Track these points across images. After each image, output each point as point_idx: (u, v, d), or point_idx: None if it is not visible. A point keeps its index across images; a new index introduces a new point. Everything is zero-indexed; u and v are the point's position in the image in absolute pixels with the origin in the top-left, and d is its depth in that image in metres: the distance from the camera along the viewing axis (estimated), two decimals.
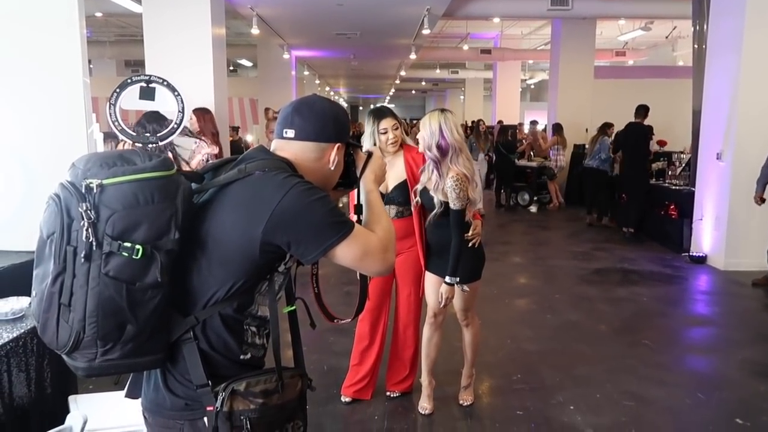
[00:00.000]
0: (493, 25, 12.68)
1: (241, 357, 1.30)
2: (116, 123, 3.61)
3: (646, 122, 10.45)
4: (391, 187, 3.03)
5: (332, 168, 1.38)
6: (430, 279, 3.05)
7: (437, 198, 2.84)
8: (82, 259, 1.12)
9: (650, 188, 7.64)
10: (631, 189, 7.64)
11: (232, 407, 1.23)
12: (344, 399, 3.24)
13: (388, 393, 3.30)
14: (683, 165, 7.58)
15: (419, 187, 2.94)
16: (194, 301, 1.26)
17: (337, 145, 1.38)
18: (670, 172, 7.69)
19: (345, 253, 1.28)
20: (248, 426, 1.24)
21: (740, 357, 3.92)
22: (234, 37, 11.27)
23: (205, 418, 1.25)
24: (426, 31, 8.79)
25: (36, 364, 2.26)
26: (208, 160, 4.38)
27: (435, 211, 2.86)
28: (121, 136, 3.80)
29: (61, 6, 3.42)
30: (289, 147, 1.36)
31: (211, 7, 5.72)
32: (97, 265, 1.12)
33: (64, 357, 1.20)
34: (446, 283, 2.86)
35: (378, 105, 3.12)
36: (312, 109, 1.37)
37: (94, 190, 1.13)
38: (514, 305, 5.10)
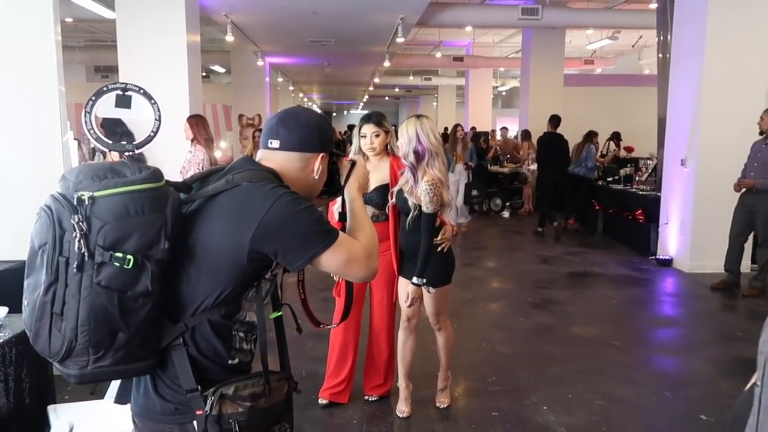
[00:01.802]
0: (465, 33, 12.86)
1: (230, 362, 1.34)
2: (91, 131, 3.60)
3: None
4: (371, 188, 3.05)
5: (316, 177, 1.43)
6: (403, 284, 3.08)
7: (411, 201, 2.88)
8: (75, 270, 1.14)
9: (592, 188, 8.51)
10: (568, 189, 8.40)
11: (221, 411, 1.27)
12: (321, 401, 3.27)
13: (366, 397, 3.35)
14: (650, 171, 7.81)
15: (395, 188, 2.99)
16: (183, 308, 1.29)
17: (321, 154, 1.43)
18: (637, 178, 7.90)
19: (330, 261, 1.32)
20: (237, 428, 1.27)
21: (704, 356, 4.07)
22: (207, 43, 11.21)
23: (195, 422, 1.28)
24: (400, 39, 8.89)
25: (15, 374, 2.26)
26: (203, 168, 4.38)
27: (411, 214, 2.89)
28: (95, 144, 3.79)
29: (36, 15, 3.41)
30: (275, 157, 1.40)
31: (185, 13, 5.72)
32: (89, 275, 1.15)
33: (56, 365, 1.22)
34: (413, 283, 2.90)
35: (372, 111, 3.24)
36: (297, 120, 1.42)
37: (86, 202, 1.15)
38: (488, 309, 5.20)
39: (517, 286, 5.96)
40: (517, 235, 8.74)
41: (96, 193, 1.16)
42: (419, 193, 2.85)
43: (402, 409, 3.20)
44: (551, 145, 8.10)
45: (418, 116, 3.00)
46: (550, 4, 9.32)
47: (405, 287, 3.05)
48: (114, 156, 4.11)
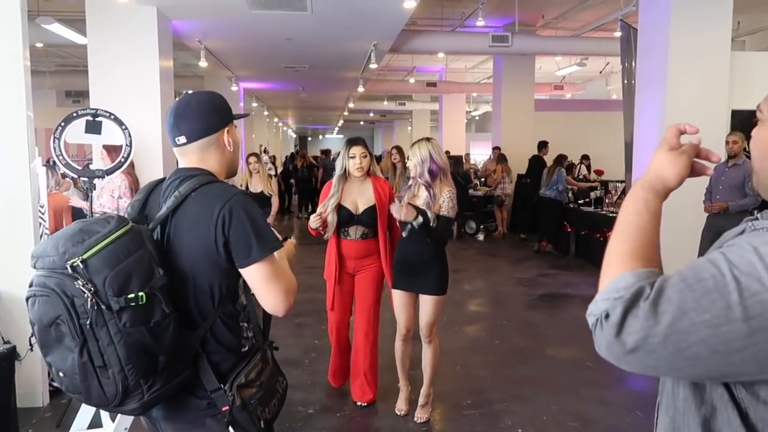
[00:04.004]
0: (438, 59, 13.09)
1: (242, 350, 1.51)
2: (60, 157, 3.56)
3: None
4: (361, 210, 3.34)
5: (231, 149, 1.56)
6: (399, 297, 3.26)
7: (430, 214, 3.07)
8: (99, 325, 1.25)
9: (563, 210, 8.78)
10: (547, 209, 8.79)
11: (243, 398, 1.44)
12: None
13: (358, 403, 3.51)
14: (619, 193, 7.98)
15: (403, 203, 3.11)
16: (197, 316, 1.44)
17: (226, 129, 1.54)
18: (607, 200, 8.07)
19: (263, 269, 1.42)
20: (259, 405, 1.48)
21: None
22: (181, 68, 11.19)
23: (224, 409, 1.44)
24: (373, 66, 9.00)
25: None
26: (119, 196, 4.26)
27: (432, 224, 3.06)
28: (64, 170, 3.74)
29: (4, 39, 3.38)
30: (190, 151, 1.52)
31: (158, 39, 5.71)
32: (114, 323, 1.26)
33: (115, 410, 1.34)
34: (413, 225, 3.04)
35: (353, 136, 3.56)
36: (191, 111, 1.51)
37: (80, 266, 1.25)
38: (463, 332, 5.21)
39: (492, 308, 5.98)
40: (492, 257, 8.81)
41: (84, 256, 1.26)
42: (441, 202, 3.08)
43: (400, 407, 3.41)
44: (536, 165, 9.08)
45: (428, 139, 3.24)
46: (520, 32, 9.55)
47: (401, 301, 3.26)
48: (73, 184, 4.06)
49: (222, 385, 1.43)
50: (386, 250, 3.38)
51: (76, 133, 3.59)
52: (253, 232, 1.42)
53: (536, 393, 3.78)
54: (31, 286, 1.31)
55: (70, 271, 1.24)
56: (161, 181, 1.57)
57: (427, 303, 3.18)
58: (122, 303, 1.25)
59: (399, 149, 6.87)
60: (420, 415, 3.34)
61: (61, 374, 1.31)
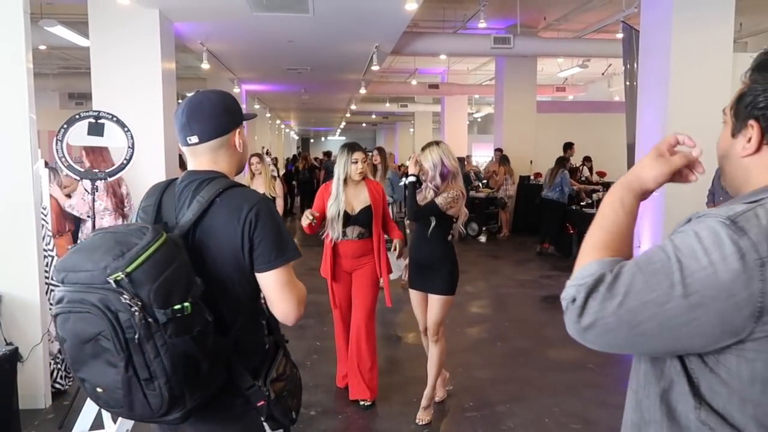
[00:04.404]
0: (440, 61, 13.10)
1: (265, 347, 1.54)
2: (63, 159, 3.57)
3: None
4: (357, 210, 3.49)
5: (241, 150, 1.56)
6: (414, 296, 3.39)
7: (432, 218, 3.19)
8: (146, 338, 1.23)
9: (565, 211, 8.73)
10: (549, 211, 8.83)
11: (276, 392, 1.48)
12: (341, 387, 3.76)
13: (360, 402, 3.56)
14: None
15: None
16: (227, 320, 1.44)
17: (237, 130, 1.54)
18: None
19: (279, 276, 1.44)
20: (289, 397, 1.53)
21: None
22: (183, 71, 11.21)
23: (260, 405, 1.48)
24: (375, 68, 9.01)
25: None
26: (94, 198, 4.21)
27: (432, 225, 3.20)
28: (67, 172, 3.74)
29: (7, 41, 3.39)
30: (202, 152, 1.51)
31: (160, 42, 5.73)
32: (160, 335, 1.24)
33: (158, 420, 1.33)
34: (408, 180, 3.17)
35: (350, 141, 3.70)
36: (202, 110, 1.50)
37: (125, 281, 1.22)
38: (465, 334, 5.21)
39: (494, 310, 5.98)
40: (494, 259, 8.80)
41: (128, 269, 1.23)
42: (442, 197, 3.17)
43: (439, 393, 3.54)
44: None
45: (438, 143, 3.31)
46: (522, 34, 9.55)
47: (415, 298, 3.39)
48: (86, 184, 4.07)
49: (256, 382, 1.45)
50: (381, 249, 3.55)
51: (78, 135, 3.60)
52: (277, 238, 1.44)
53: (538, 395, 3.77)
54: (60, 302, 1.27)
55: (113, 285, 1.21)
56: (170, 183, 1.54)
57: (434, 302, 3.27)
58: (168, 315, 1.24)
59: (381, 150, 6.87)
60: (422, 417, 3.34)
61: (98, 390, 1.28)
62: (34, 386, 3.47)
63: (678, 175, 1.05)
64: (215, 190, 1.43)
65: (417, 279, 3.34)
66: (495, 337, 5.02)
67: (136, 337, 1.21)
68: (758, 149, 0.95)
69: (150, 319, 1.22)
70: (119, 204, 4.37)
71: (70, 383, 3.77)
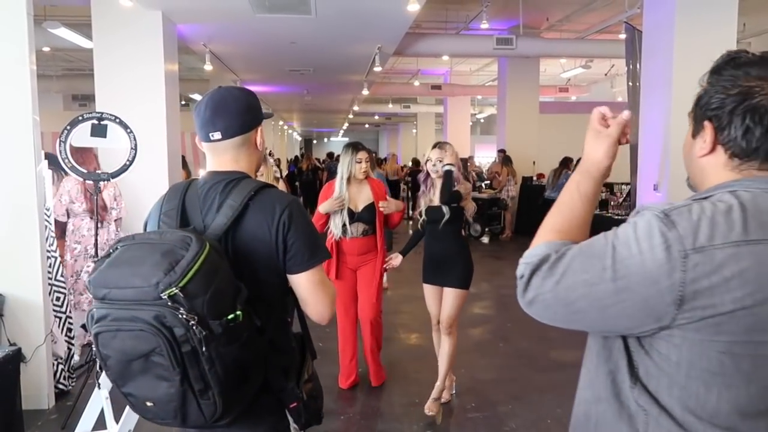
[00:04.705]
0: (442, 62, 13.10)
1: (292, 346, 1.52)
2: (66, 160, 3.58)
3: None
4: (360, 208, 3.61)
5: (260, 149, 1.55)
6: (428, 291, 3.49)
7: (445, 208, 3.36)
8: (202, 351, 1.20)
9: None
10: None
11: (306, 392, 1.48)
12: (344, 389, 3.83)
13: (374, 386, 3.83)
14: (624, 195, 7.96)
15: (422, 208, 3.47)
16: (263, 323, 1.39)
17: (258, 128, 1.53)
18: (612, 203, 8.05)
19: (313, 277, 1.44)
20: (318, 397, 1.53)
21: None
22: (186, 72, 11.24)
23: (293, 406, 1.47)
24: (378, 69, 9.01)
25: None
26: (71, 201, 4.18)
27: (443, 220, 3.36)
28: (70, 173, 3.75)
29: (10, 43, 3.40)
30: (223, 149, 1.48)
31: (163, 43, 5.75)
32: (214, 346, 1.21)
33: (208, 427, 1.32)
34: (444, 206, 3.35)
35: (353, 141, 3.85)
36: (227, 107, 1.47)
37: (180, 295, 1.18)
38: (468, 335, 5.20)
39: (497, 311, 5.97)
40: (496, 260, 8.80)
41: (181, 283, 1.19)
42: (465, 187, 3.42)
43: (445, 397, 3.59)
44: None
45: (445, 143, 3.58)
46: (524, 35, 9.55)
47: (429, 292, 3.50)
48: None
49: (290, 383, 1.44)
50: (383, 246, 3.67)
51: (81, 136, 3.61)
52: (310, 238, 1.44)
53: (541, 396, 3.77)
54: (102, 320, 1.22)
55: (168, 301, 1.17)
56: (189, 184, 1.50)
57: (449, 296, 3.38)
58: (223, 325, 1.22)
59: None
60: (431, 408, 3.37)
61: (148, 404, 1.26)
62: (37, 386, 3.48)
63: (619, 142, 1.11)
64: (246, 192, 1.40)
65: (431, 273, 3.45)
66: (497, 338, 5.01)
67: (192, 350, 1.18)
68: (713, 149, 0.98)
69: (206, 332, 1.19)
70: (102, 207, 4.30)
71: (73, 384, 3.78)
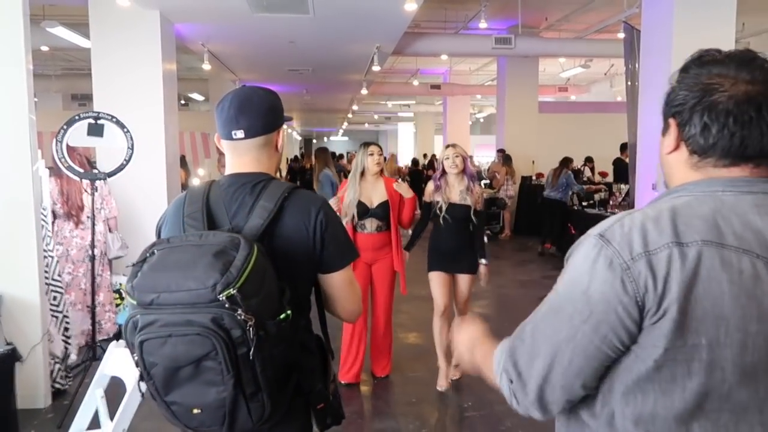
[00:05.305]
0: (441, 61, 13.09)
1: (313, 346, 1.49)
2: (63, 160, 3.58)
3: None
4: (375, 204, 3.74)
5: (280, 150, 1.53)
6: (436, 278, 3.72)
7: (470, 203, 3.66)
8: (258, 352, 1.18)
9: (567, 211, 8.71)
10: (551, 211, 8.83)
11: (331, 393, 1.48)
12: (343, 383, 3.81)
13: (376, 378, 3.97)
14: (623, 195, 7.96)
15: (443, 205, 3.66)
16: (297, 322, 1.37)
17: (280, 130, 1.52)
18: (611, 202, 8.05)
19: (344, 276, 1.46)
20: (340, 396, 1.53)
21: None
22: (185, 72, 11.24)
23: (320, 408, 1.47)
24: (376, 68, 9.01)
25: None
26: (53, 202, 4.14)
27: (469, 216, 3.66)
28: (66, 172, 3.76)
29: (5, 43, 3.40)
30: (246, 149, 1.45)
31: (161, 43, 5.74)
32: (268, 347, 1.20)
33: (254, 428, 1.30)
34: (484, 265, 3.70)
35: (367, 140, 4.03)
36: (252, 106, 1.45)
37: (238, 296, 1.15)
38: None
39: (495, 310, 5.97)
40: (495, 259, 8.77)
41: (238, 284, 1.16)
42: (478, 198, 3.71)
43: (441, 383, 3.76)
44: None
45: (453, 145, 3.83)
46: (523, 34, 9.54)
47: (439, 282, 3.71)
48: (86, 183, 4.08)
49: (319, 384, 1.44)
50: (398, 242, 3.79)
51: (78, 136, 3.61)
52: (343, 238, 1.47)
53: None
54: (149, 326, 1.17)
55: (226, 302, 1.14)
56: (210, 186, 1.46)
57: (463, 281, 3.70)
58: (277, 325, 1.21)
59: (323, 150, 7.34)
60: (454, 374, 3.74)
61: (195, 411, 1.22)
62: (33, 386, 3.48)
63: None
64: (280, 193, 1.38)
65: (443, 262, 3.70)
66: (496, 338, 5.01)
67: (246, 352, 1.16)
68: (677, 146, 0.98)
69: (262, 332, 1.17)
70: (79, 208, 4.25)
71: (70, 383, 3.78)
